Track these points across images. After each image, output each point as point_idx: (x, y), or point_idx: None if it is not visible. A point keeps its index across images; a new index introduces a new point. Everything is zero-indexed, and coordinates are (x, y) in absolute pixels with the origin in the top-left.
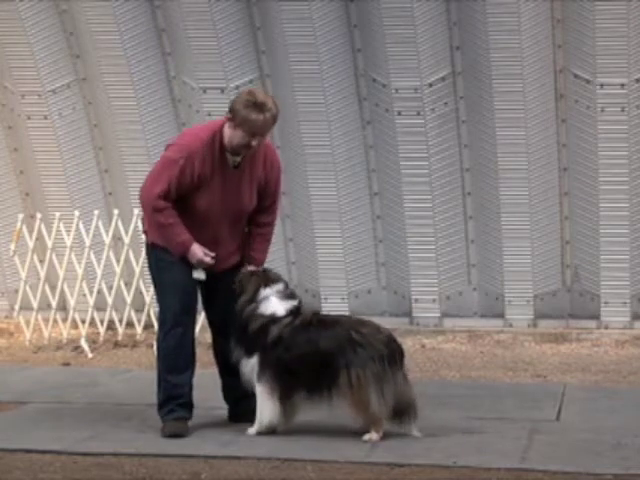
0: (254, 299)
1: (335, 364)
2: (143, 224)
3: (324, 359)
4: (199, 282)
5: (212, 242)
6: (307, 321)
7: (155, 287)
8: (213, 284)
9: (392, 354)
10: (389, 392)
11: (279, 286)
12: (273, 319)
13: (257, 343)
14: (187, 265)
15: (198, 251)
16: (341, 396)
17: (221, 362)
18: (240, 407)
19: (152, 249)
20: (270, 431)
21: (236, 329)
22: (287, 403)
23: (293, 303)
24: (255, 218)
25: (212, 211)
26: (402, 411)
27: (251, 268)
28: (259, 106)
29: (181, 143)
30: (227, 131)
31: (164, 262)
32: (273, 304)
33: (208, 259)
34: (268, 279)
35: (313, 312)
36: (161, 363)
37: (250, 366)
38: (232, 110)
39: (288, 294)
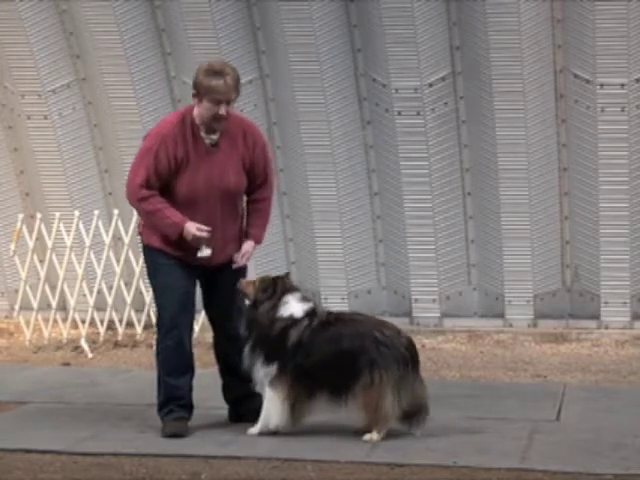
0: (277, 304)
1: (358, 363)
2: (138, 225)
3: (347, 358)
4: (198, 279)
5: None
6: (325, 321)
7: (152, 289)
8: (212, 280)
9: (413, 357)
10: (405, 396)
11: (298, 293)
12: (292, 322)
13: (277, 349)
14: (184, 266)
15: (191, 228)
16: (357, 394)
17: (222, 361)
18: (242, 407)
19: (148, 251)
20: (272, 433)
21: (255, 335)
22: (300, 407)
23: (309, 305)
24: (250, 197)
25: (198, 193)
26: (414, 413)
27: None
28: (218, 72)
29: (153, 132)
30: (196, 110)
31: (160, 264)
32: (292, 307)
33: (203, 234)
34: (291, 286)
35: (328, 312)
36: (160, 365)
37: (266, 372)
38: (195, 85)
39: (304, 298)
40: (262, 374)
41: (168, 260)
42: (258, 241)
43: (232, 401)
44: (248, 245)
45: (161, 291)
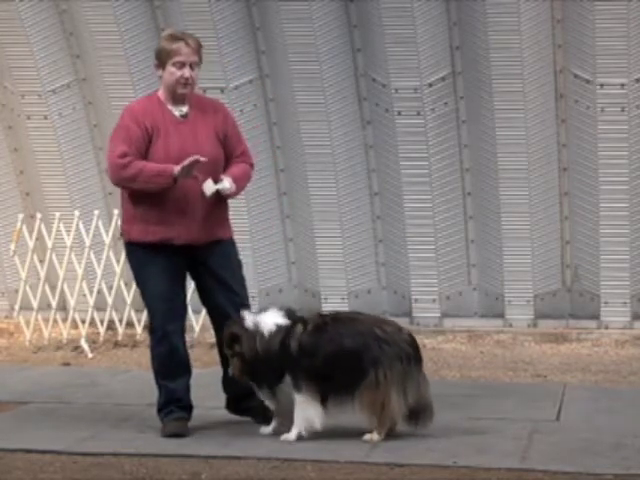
0: (257, 329)
1: (362, 362)
2: (121, 225)
3: (350, 357)
4: (187, 267)
5: (184, 200)
6: (320, 323)
7: (141, 295)
8: (200, 267)
9: (416, 354)
10: (411, 392)
11: (259, 311)
12: (284, 330)
13: (282, 361)
14: (169, 260)
15: (177, 166)
16: (363, 393)
17: (223, 358)
18: (240, 403)
19: (132, 249)
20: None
21: (259, 370)
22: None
23: (279, 312)
24: (230, 160)
25: (174, 163)
26: (419, 412)
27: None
28: (177, 36)
29: (122, 113)
30: (162, 87)
31: (147, 271)
32: (269, 317)
33: (189, 170)
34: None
35: (319, 314)
36: (155, 370)
37: (285, 387)
38: (157, 53)
39: (265, 308)
40: (285, 391)
41: (154, 260)
42: (235, 178)
43: (232, 395)
44: (226, 180)
45: (150, 299)
